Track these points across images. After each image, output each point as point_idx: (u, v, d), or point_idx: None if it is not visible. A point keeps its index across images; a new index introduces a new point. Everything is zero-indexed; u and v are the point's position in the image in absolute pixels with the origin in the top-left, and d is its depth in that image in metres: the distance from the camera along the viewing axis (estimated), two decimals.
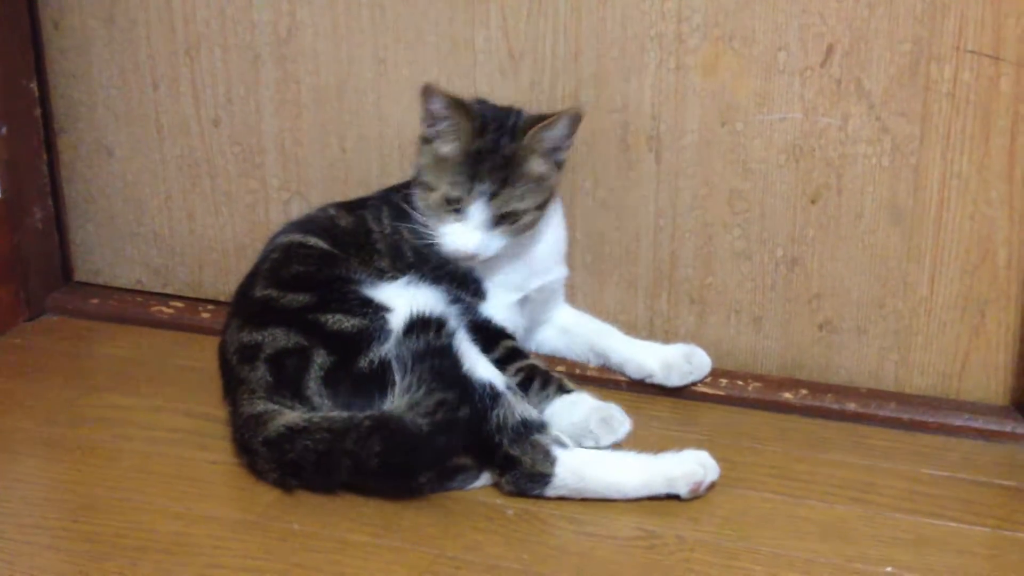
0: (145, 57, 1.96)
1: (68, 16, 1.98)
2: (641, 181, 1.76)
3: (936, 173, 1.62)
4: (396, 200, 1.68)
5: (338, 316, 1.49)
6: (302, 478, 1.44)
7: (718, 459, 1.48)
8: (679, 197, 1.75)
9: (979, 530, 1.41)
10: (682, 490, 1.43)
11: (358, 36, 1.84)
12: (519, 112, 1.62)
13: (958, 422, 1.63)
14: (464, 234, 1.58)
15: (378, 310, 1.49)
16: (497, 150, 1.56)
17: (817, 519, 1.42)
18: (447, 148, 1.59)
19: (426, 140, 1.62)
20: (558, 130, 1.59)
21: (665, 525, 1.40)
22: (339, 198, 1.81)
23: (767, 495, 1.47)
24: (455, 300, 1.58)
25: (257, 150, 1.95)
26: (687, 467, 1.44)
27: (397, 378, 1.43)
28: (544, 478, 1.42)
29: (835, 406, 1.67)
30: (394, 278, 1.58)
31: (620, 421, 1.55)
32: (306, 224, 1.70)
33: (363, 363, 1.45)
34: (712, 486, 1.45)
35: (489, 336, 1.59)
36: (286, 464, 1.43)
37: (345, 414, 1.43)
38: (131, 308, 2.03)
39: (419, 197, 1.61)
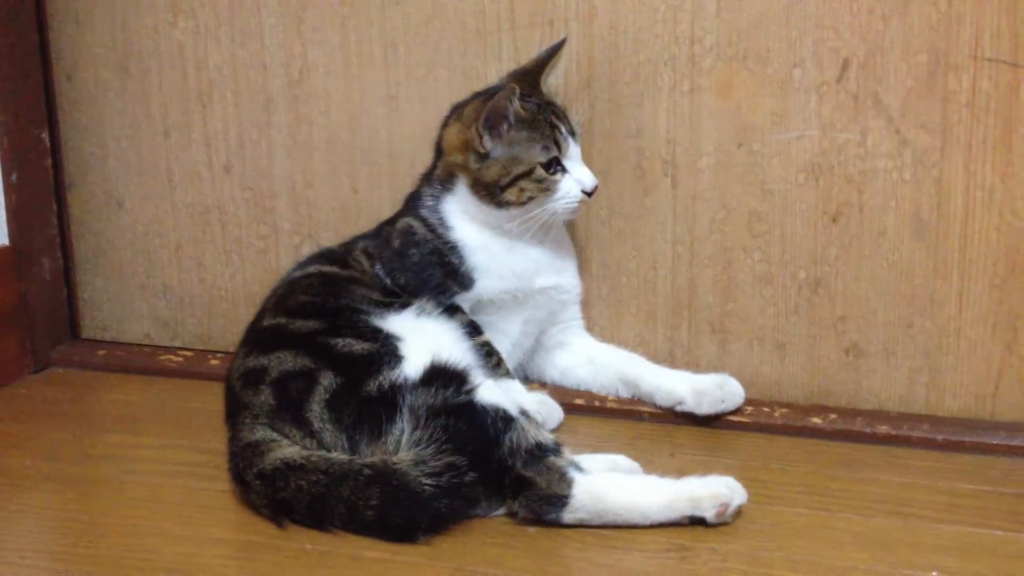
0: (157, 106, 1.96)
1: (81, 69, 1.98)
2: (657, 207, 1.73)
3: (959, 185, 1.59)
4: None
5: (348, 340, 1.45)
6: (294, 518, 1.37)
7: (747, 480, 1.41)
8: (697, 222, 1.72)
9: None
10: (708, 512, 1.35)
11: (369, 74, 1.84)
12: (508, 79, 1.67)
13: (995, 440, 1.57)
14: (580, 174, 1.62)
15: (388, 338, 1.46)
16: (543, 101, 1.63)
17: (855, 531, 1.36)
18: (512, 133, 1.61)
19: (484, 156, 1.62)
20: (560, 65, 1.69)
21: (696, 539, 1.34)
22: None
23: (800, 510, 1.41)
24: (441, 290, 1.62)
25: (268, 194, 1.93)
26: (713, 488, 1.37)
27: (407, 427, 1.37)
28: (560, 500, 1.34)
29: (866, 429, 1.62)
30: (403, 306, 1.54)
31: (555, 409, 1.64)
32: (303, 263, 1.71)
33: (371, 386, 1.40)
34: (739, 512, 1.38)
35: (452, 309, 1.62)
36: (278, 502, 1.36)
37: (344, 457, 1.37)
38: (139, 358, 1.99)
39: (512, 195, 1.61)
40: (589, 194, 1.62)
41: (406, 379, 1.39)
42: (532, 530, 1.36)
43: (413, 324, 1.52)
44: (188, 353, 1.99)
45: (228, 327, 1.99)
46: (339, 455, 1.38)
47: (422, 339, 1.48)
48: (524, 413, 1.41)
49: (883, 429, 1.61)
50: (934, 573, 1.25)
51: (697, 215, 1.72)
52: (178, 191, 1.98)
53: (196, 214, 1.98)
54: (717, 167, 1.69)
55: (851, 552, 1.30)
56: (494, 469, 1.35)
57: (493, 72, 1.77)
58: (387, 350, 1.43)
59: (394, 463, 1.34)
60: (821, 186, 1.65)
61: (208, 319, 2.01)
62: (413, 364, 1.41)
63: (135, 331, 2.06)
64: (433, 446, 1.34)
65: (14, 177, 1.91)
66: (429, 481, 1.32)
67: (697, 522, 1.36)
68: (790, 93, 1.64)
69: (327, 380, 1.41)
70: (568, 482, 1.34)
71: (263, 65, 1.89)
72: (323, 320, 1.49)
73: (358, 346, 1.44)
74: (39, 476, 1.55)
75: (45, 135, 1.98)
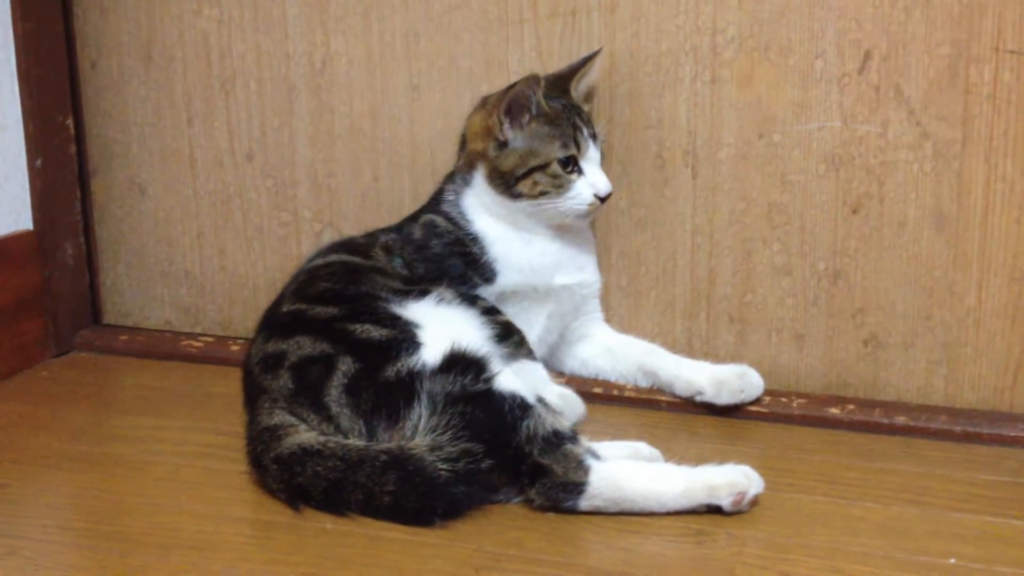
0: (181, 93, 1.98)
1: (106, 56, 2.00)
2: (677, 198, 1.74)
3: (980, 177, 1.59)
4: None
5: (367, 326, 1.46)
6: (310, 503, 1.37)
7: (765, 469, 1.42)
8: (716, 213, 1.72)
9: None
10: (724, 501, 1.36)
11: (392, 64, 1.85)
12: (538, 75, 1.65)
13: (1013, 432, 1.58)
14: (596, 178, 1.63)
15: (407, 324, 1.46)
16: (570, 103, 1.65)
17: (872, 519, 1.36)
18: (534, 126, 1.62)
19: (503, 144, 1.64)
20: (593, 74, 1.70)
21: (714, 524, 1.34)
22: (371, 227, 1.80)
23: (818, 498, 1.42)
24: (462, 280, 1.64)
25: (290, 182, 1.95)
26: (730, 477, 1.38)
27: (424, 413, 1.38)
28: (577, 487, 1.34)
29: (884, 420, 1.62)
30: (422, 294, 1.55)
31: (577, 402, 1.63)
32: (324, 251, 1.71)
33: (389, 372, 1.40)
34: (756, 501, 1.38)
35: (471, 297, 1.63)
36: (294, 487, 1.37)
37: (361, 443, 1.37)
38: (160, 343, 2.00)
39: (526, 187, 1.63)
40: (602, 199, 1.63)
41: (424, 365, 1.40)
42: (552, 513, 1.36)
43: (433, 311, 1.53)
44: (209, 339, 2.01)
45: (249, 314, 2.00)
46: (355, 441, 1.38)
47: (442, 326, 1.48)
48: (541, 401, 1.41)
49: (901, 420, 1.62)
50: (951, 560, 1.26)
51: (717, 206, 1.72)
52: (200, 178, 2.00)
53: (218, 201, 1.99)
54: (737, 158, 1.70)
55: (868, 539, 1.31)
56: (511, 456, 1.36)
57: (515, 61, 1.78)
58: (405, 336, 1.44)
59: (410, 449, 1.34)
60: (841, 177, 1.65)
61: (229, 306, 2.03)
62: (432, 351, 1.42)
63: (156, 317, 2.07)
64: (450, 432, 1.35)
65: (39, 163, 1.93)
66: (445, 467, 1.32)
67: (714, 510, 1.36)
68: (811, 84, 1.64)
69: (345, 365, 1.42)
70: (585, 470, 1.35)
71: (286, 54, 1.90)
72: (342, 306, 1.50)
73: (376, 332, 1.45)
74: (62, 456, 1.56)
75: (70, 121, 2.00)
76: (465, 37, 1.80)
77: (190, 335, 2.03)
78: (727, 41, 1.67)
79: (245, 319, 2.01)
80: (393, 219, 1.81)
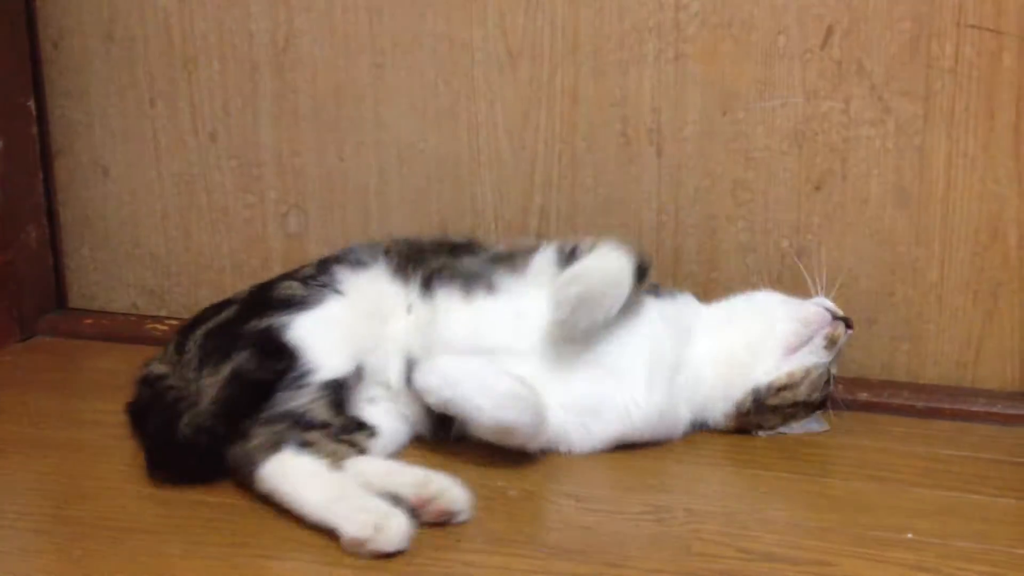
0: (143, 73, 1.95)
1: (67, 36, 1.98)
2: (642, 176, 1.73)
3: (941, 153, 1.59)
4: None
5: (294, 283, 1.53)
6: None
7: (728, 446, 1.44)
8: (681, 190, 1.72)
9: (1003, 502, 1.35)
10: (346, 534, 1.22)
11: (355, 42, 1.83)
12: None
13: (975, 408, 1.59)
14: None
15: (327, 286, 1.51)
16: None
17: (831, 494, 1.37)
18: None
19: None
20: None
21: (673, 501, 1.35)
22: (336, 208, 1.80)
23: (778, 474, 1.42)
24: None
25: (255, 163, 1.93)
26: (362, 518, 1.23)
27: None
28: (256, 462, 1.33)
29: (846, 396, 1.61)
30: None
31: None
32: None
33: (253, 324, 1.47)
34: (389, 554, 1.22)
35: None
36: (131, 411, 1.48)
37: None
38: (126, 327, 1.99)
39: None
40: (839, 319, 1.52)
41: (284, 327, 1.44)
42: (513, 492, 1.37)
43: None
44: (175, 322, 1.99)
45: (214, 296, 1.97)
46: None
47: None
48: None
49: (863, 396, 1.62)
50: (909, 535, 1.26)
51: (682, 183, 1.72)
52: (164, 159, 1.98)
53: (182, 182, 1.98)
54: (702, 135, 1.69)
55: (827, 514, 1.31)
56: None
57: (479, 39, 1.76)
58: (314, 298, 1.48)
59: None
60: (804, 154, 1.65)
61: (195, 288, 2.02)
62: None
63: (122, 300, 2.06)
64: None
65: (0, 145, 1.91)
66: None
67: (665, 491, 1.37)
68: (774, 60, 1.64)
69: (230, 312, 1.53)
70: (275, 451, 1.33)
71: (249, 32, 1.88)
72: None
73: (299, 290, 1.51)
74: (23, 442, 1.55)
75: (31, 103, 1.98)
76: (428, 15, 1.79)
77: (156, 318, 2.01)
78: (690, 17, 1.66)
79: (211, 301, 1.98)
80: (359, 200, 1.81)
